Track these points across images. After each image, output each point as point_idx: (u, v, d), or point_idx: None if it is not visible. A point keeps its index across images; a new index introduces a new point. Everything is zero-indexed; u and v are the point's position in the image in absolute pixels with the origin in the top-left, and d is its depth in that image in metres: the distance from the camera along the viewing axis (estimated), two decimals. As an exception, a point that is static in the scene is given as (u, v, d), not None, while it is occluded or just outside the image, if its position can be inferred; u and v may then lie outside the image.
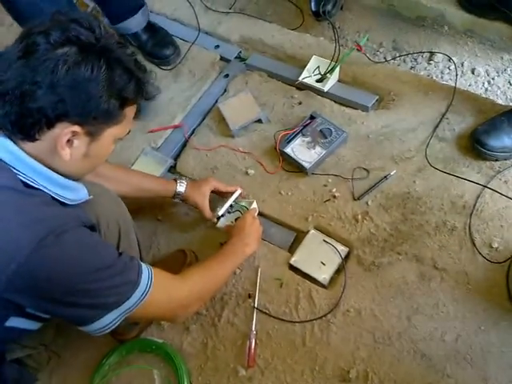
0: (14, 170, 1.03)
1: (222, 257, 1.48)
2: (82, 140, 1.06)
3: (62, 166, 1.09)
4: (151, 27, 2.21)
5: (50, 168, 1.07)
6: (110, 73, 1.03)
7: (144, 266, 1.17)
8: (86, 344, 1.60)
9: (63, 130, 1.02)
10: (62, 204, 1.10)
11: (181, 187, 1.67)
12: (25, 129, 1.02)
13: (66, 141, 1.04)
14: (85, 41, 1.02)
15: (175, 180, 1.69)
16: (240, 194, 1.74)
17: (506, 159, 1.74)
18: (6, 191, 1.01)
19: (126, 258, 1.14)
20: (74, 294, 1.05)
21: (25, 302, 1.06)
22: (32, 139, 1.03)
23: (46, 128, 1.02)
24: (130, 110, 1.13)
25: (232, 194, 1.72)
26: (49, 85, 0.98)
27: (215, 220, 1.70)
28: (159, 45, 2.19)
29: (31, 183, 1.04)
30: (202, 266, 1.42)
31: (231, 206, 1.71)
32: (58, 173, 1.09)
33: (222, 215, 1.70)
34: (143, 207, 1.81)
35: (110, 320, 1.11)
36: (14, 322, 1.13)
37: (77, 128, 1.03)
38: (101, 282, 1.07)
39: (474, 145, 1.75)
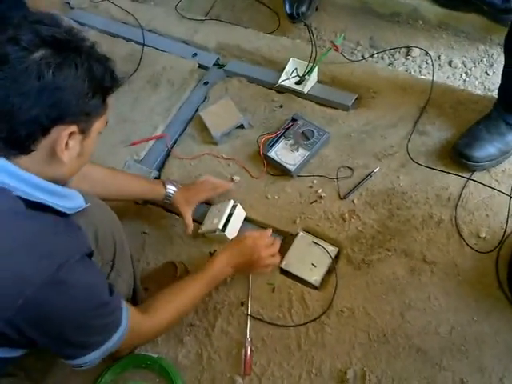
0: (12, 188, 0.99)
1: (197, 282, 1.45)
2: (76, 139, 1.04)
3: (58, 170, 1.06)
4: None
5: (45, 179, 1.04)
6: (90, 67, 1.01)
7: (124, 305, 1.17)
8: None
9: (61, 134, 1.00)
10: (63, 215, 1.07)
11: (170, 191, 1.69)
12: (19, 143, 0.98)
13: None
14: (60, 39, 0.98)
15: (164, 184, 1.69)
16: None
17: (493, 166, 1.71)
18: (8, 216, 0.99)
19: (116, 295, 1.14)
20: (70, 330, 1.05)
21: (15, 333, 1.00)
22: (27, 151, 1.00)
23: (42, 136, 0.99)
24: (109, 100, 1.12)
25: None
26: (38, 92, 0.94)
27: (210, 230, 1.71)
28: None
29: (30, 198, 1.01)
30: (170, 297, 1.39)
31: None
32: (52, 182, 1.06)
33: (225, 226, 1.68)
34: (126, 219, 1.78)
35: (91, 358, 1.12)
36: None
37: (73, 128, 1.01)
38: (97, 318, 1.08)
39: (460, 159, 1.70)
